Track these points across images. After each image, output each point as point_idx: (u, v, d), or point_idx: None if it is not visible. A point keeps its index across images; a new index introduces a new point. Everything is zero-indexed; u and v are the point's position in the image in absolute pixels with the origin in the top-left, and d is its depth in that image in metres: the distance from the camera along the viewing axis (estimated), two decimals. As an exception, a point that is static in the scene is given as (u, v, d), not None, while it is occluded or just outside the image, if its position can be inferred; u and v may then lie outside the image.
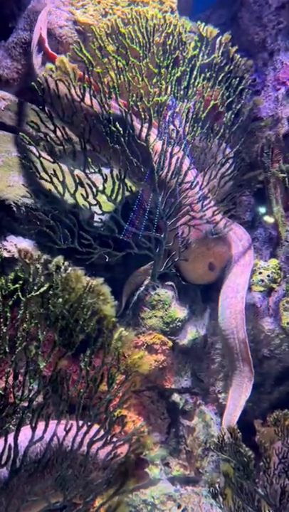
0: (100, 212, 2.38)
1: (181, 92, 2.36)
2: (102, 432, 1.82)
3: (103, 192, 2.30)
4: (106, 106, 2.20)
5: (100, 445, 1.81)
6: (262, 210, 3.26)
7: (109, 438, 1.83)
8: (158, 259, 2.66)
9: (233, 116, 2.48)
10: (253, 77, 3.13)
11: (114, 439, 1.84)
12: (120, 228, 2.47)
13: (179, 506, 2.50)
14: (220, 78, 2.48)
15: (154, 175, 2.37)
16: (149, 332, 2.60)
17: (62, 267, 1.79)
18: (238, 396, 2.50)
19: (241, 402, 2.47)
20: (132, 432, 1.87)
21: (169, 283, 2.76)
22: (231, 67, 2.52)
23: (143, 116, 2.27)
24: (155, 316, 2.63)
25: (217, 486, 1.86)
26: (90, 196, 2.34)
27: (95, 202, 2.33)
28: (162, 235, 2.58)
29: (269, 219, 3.14)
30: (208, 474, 2.59)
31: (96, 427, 1.83)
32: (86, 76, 2.19)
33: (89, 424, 1.80)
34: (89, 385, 1.79)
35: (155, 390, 2.61)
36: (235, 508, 1.81)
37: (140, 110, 2.25)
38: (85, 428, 1.79)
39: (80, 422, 1.79)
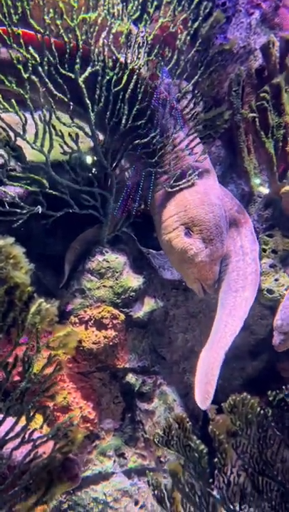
0: (22, 163, 1.97)
1: (118, 8, 1.90)
2: (18, 428, 1.46)
3: (23, 137, 1.88)
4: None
5: (16, 444, 1.46)
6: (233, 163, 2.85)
7: (27, 435, 1.47)
8: (106, 219, 2.26)
9: (188, 38, 2.01)
10: (222, 0, 2.65)
11: (35, 436, 1.49)
12: (54, 183, 2.06)
13: (136, 503, 2.17)
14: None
15: (90, 114, 1.94)
16: (97, 305, 2.22)
17: None
18: (215, 354, 2.00)
19: (219, 359, 1.97)
20: (56, 426, 1.51)
21: (122, 247, 2.37)
22: None
23: (66, 40, 1.82)
24: (104, 285, 2.25)
25: (163, 488, 1.51)
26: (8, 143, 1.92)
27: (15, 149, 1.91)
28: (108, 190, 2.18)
29: (264, 189, 2.69)
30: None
31: (11, 421, 1.47)
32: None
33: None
34: (-2, 372, 1.44)
35: (106, 370, 2.25)
36: (185, 514, 1.46)
37: (61, 31, 1.79)
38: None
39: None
